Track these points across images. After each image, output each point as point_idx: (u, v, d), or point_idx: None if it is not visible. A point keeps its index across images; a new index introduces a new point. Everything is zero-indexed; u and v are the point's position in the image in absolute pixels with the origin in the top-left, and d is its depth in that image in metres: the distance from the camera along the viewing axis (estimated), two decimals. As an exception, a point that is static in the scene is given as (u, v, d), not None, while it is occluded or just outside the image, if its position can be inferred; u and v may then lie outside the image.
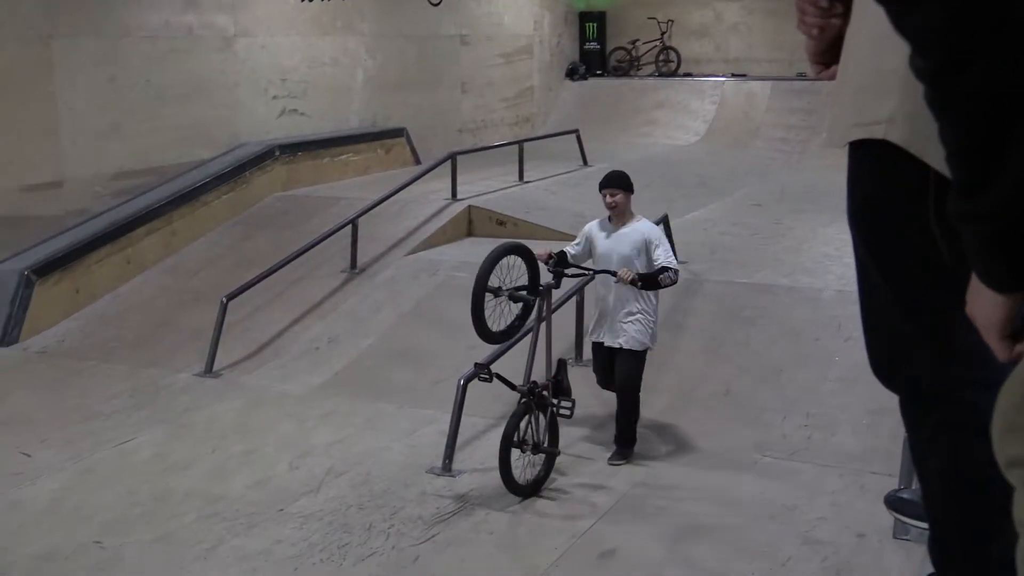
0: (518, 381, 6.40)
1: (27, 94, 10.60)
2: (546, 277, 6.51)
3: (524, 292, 6.28)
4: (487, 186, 12.62)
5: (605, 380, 7.00)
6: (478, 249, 10.69)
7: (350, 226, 10.58)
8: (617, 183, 6.80)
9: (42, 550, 5.88)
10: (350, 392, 8.36)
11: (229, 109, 13.00)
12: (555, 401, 6.49)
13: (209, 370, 8.88)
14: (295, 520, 6.18)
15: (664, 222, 8.61)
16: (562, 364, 6.59)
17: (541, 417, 6.43)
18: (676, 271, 6.61)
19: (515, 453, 6.29)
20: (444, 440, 6.93)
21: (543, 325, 6.54)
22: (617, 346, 6.75)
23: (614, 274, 6.48)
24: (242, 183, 12.48)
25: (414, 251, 10.79)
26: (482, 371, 6.45)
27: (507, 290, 6.17)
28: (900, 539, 5.58)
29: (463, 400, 6.98)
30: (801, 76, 17.40)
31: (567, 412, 6.53)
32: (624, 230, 6.75)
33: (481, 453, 7.06)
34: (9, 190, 10.42)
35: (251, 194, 12.57)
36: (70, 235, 10.82)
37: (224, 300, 9.21)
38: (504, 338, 6.39)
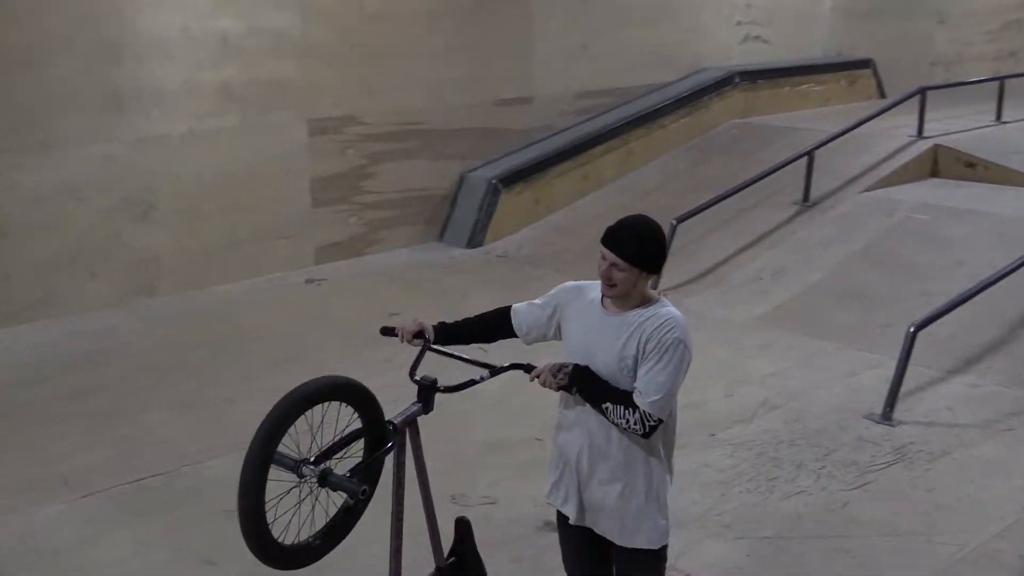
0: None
1: (508, 15, 11.26)
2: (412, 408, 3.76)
3: (350, 476, 3.57)
4: (958, 124, 11.71)
5: None
6: (941, 192, 10.04)
7: (806, 158, 10.30)
8: (624, 245, 3.46)
9: (489, 438, 6.37)
10: (791, 326, 8.20)
11: (692, 33, 13.03)
12: None
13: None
14: (725, 447, 6.22)
15: None
16: (464, 528, 4.31)
17: None
18: (644, 418, 3.38)
19: None
20: (886, 387, 6.64)
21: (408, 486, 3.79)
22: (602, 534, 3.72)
23: (527, 370, 3.57)
24: (700, 108, 12.53)
25: (871, 188, 10.29)
26: None
27: (313, 466, 3.45)
28: None
29: (911, 348, 6.62)
30: None
31: None
32: (623, 320, 3.51)
33: (925, 406, 6.68)
34: (485, 104, 11.18)
35: (708, 119, 12.60)
36: (535, 149, 11.45)
37: (674, 222, 9.35)
38: (307, 559, 3.61)
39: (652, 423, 3.41)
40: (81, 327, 8.40)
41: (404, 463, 3.74)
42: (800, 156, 10.35)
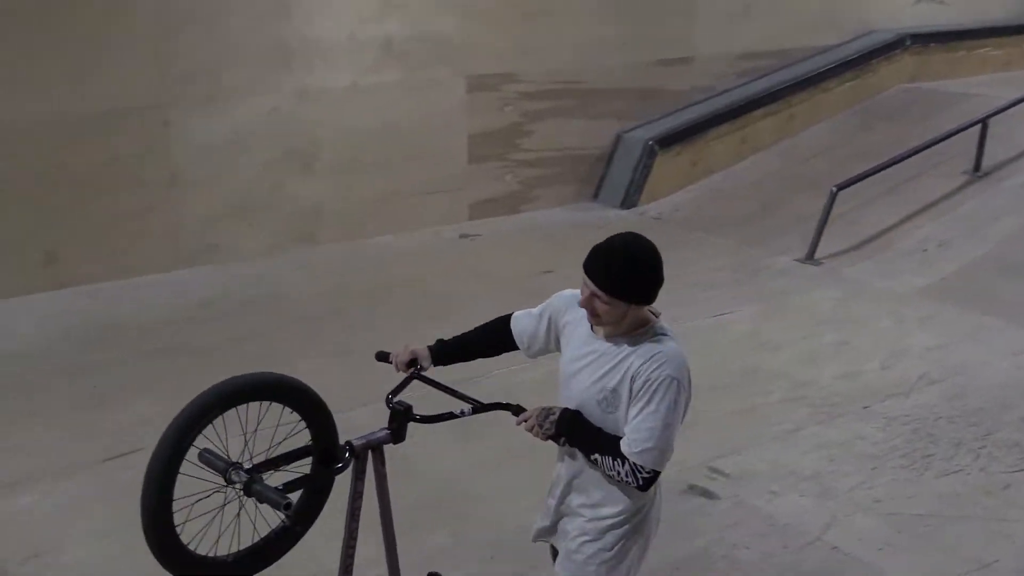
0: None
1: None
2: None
3: (291, 486, 3.22)
4: None
5: None
6: None
7: (979, 125, 9.84)
8: (608, 274, 3.05)
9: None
10: (954, 299, 7.90)
11: (864, -7, 12.59)
12: None
13: (810, 256, 8.88)
14: (879, 419, 6.05)
15: None
16: None
17: None
18: (635, 469, 3.03)
19: None
20: (1056, 367, 6.34)
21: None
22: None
23: (515, 412, 3.27)
24: (867, 72, 12.09)
25: (1051, 158, 9.80)
26: None
27: (245, 473, 3.09)
28: None
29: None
30: None
31: None
32: (609, 347, 3.14)
33: (1099, 389, 6.36)
34: (645, 64, 11.04)
35: (875, 84, 12.16)
36: (693, 110, 11.27)
37: (835, 189, 9.08)
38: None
39: (645, 475, 3.01)
40: (243, 274, 8.72)
41: (361, 493, 3.33)
42: (973, 124, 9.90)
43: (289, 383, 3.24)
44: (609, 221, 10.33)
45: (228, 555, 3.21)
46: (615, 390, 3.06)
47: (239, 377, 3.13)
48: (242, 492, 3.06)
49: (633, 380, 3.03)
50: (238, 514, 3.16)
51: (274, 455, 3.20)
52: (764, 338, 7.30)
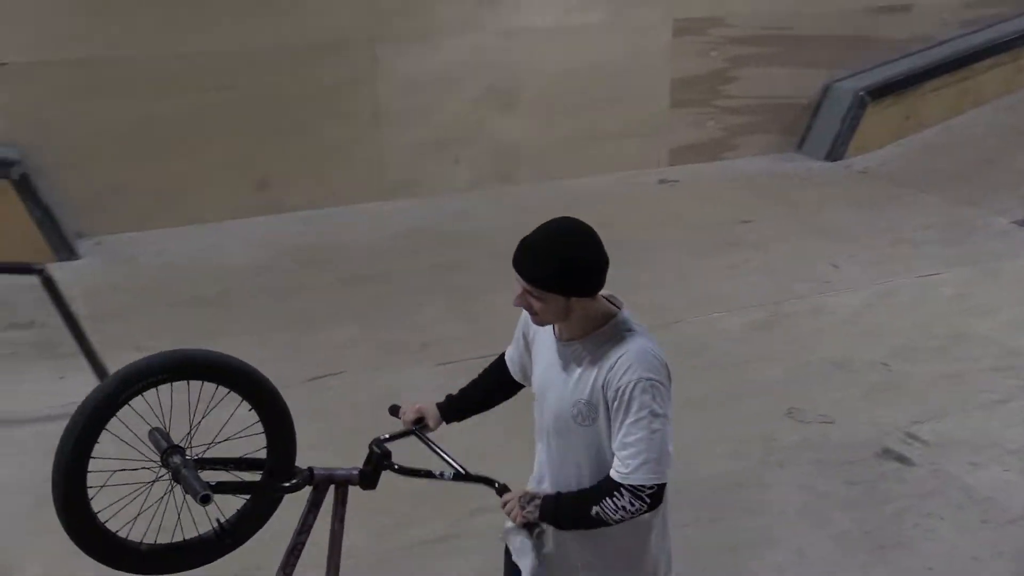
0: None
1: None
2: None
3: (225, 487, 2.86)
4: None
5: None
6: None
7: None
8: (533, 265, 2.73)
9: (835, 356, 6.18)
10: None
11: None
12: None
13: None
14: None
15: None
16: None
17: None
18: (634, 492, 2.71)
19: None
20: None
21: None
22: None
23: (499, 491, 2.97)
24: (1106, 23, 11.24)
25: None
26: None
27: (182, 458, 2.84)
28: None
29: None
30: None
31: None
32: (571, 352, 2.84)
33: None
34: (858, 11, 10.57)
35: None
36: (909, 61, 10.74)
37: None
38: (124, 561, 2.93)
39: (648, 492, 2.70)
40: (444, 208, 8.90)
41: (310, 528, 3.01)
42: None
43: (252, 377, 2.96)
44: (812, 173, 10.03)
45: (141, 543, 2.92)
46: (588, 403, 2.76)
47: (198, 350, 2.93)
48: (171, 478, 2.81)
49: (605, 390, 2.73)
50: (162, 497, 2.87)
51: (231, 457, 2.97)
52: (973, 302, 6.95)
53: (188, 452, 2.85)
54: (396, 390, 5.56)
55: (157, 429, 2.89)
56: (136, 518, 2.85)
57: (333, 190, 8.87)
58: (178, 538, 2.97)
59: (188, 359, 2.87)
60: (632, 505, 2.70)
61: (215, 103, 8.30)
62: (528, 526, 2.87)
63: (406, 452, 3.08)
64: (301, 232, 8.33)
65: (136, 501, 2.85)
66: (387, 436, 3.11)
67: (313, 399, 5.55)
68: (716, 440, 5.23)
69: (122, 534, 2.87)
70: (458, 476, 3.03)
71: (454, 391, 3.25)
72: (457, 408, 3.21)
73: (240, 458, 3.00)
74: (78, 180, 7.99)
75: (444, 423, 3.21)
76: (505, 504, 2.89)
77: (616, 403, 2.71)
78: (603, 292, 2.81)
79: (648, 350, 2.73)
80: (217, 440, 2.98)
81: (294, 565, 3.03)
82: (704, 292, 7.07)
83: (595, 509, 2.73)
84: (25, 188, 7.60)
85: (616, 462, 2.73)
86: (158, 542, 2.96)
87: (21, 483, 4.77)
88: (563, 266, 2.67)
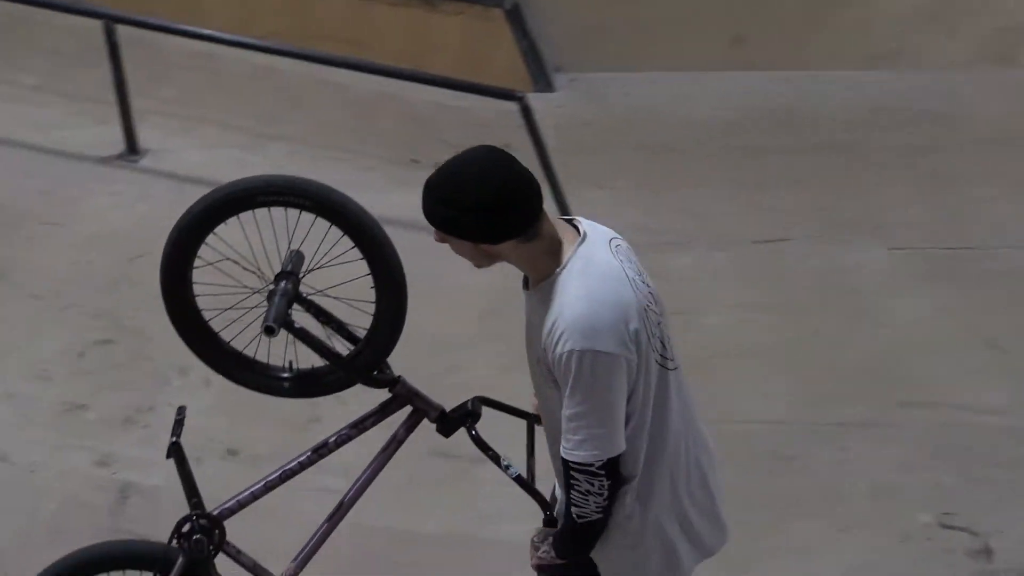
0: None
1: None
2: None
3: (307, 339, 2.75)
4: None
5: None
6: None
7: None
8: (437, 208, 2.31)
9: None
10: None
11: None
12: None
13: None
14: None
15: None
16: None
17: None
18: (582, 471, 2.34)
19: None
20: None
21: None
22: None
23: (544, 518, 2.67)
24: None
25: None
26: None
27: (286, 285, 2.73)
28: None
29: None
30: None
31: None
32: (531, 301, 2.44)
33: None
34: None
35: None
36: None
37: None
38: (221, 363, 2.93)
39: (594, 471, 2.33)
40: (928, 85, 8.29)
41: (364, 429, 2.84)
42: None
43: (398, 274, 2.78)
44: None
45: (245, 353, 2.91)
46: (540, 361, 2.40)
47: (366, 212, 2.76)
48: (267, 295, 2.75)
49: (547, 355, 2.35)
50: (252, 309, 2.76)
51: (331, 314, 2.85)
52: None
53: (300, 286, 2.79)
54: (840, 267, 5.45)
55: (297, 252, 2.84)
56: (223, 312, 2.81)
57: (811, 53, 8.52)
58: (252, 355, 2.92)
59: (345, 206, 2.75)
60: (592, 485, 2.35)
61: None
62: (549, 569, 2.57)
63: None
64: (772, 92, 8.15)
65: (233, 300, 2.77)
66: (499, 402, 2.88)
67: (754, 261, 5.57)
68: None
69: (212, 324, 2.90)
70: (520, 479, 2.72)
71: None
72: None
73: (338, 319, 2.88)
74: (564, 15, 8.27)
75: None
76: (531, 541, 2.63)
77: (556, 372, 2.35)
78: (569, 218, 2.46)
79: (580, 312, 2.28)
80: (327, 293, 2.85)
81: (323, 455, 2.88)
82: None
83: (574, 511, 2.41)
84: (516, 18, 8.01)
85: (562, 437, 2.39)
86: (239, 348, 2.93)
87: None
88: (450, 207, 2.29)
